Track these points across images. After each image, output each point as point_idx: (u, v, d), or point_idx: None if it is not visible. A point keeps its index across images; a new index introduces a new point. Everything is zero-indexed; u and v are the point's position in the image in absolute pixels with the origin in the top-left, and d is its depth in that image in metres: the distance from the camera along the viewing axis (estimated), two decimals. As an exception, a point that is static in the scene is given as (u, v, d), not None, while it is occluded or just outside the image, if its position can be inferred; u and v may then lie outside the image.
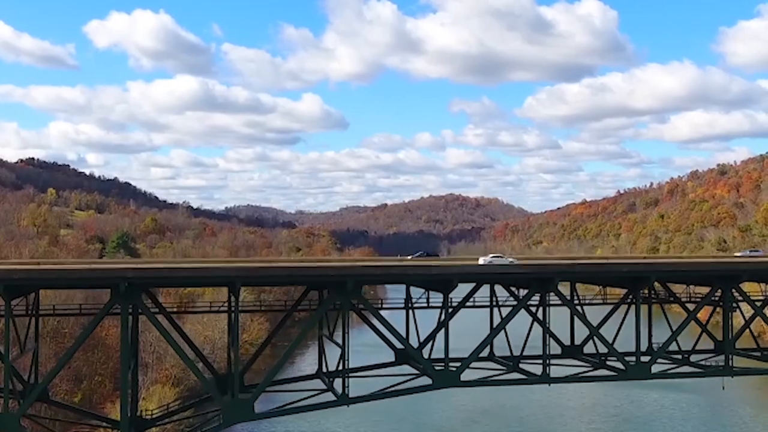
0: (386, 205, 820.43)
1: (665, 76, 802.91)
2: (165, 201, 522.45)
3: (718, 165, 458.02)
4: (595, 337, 60.85)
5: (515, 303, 59.96)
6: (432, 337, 59.37)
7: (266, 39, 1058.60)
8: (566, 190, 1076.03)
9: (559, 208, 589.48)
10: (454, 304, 58.48)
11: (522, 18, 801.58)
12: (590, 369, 61.14)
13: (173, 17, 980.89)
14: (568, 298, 60.48)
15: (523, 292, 59.46)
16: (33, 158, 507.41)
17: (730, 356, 61.18)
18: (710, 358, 63.71)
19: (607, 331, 63.40)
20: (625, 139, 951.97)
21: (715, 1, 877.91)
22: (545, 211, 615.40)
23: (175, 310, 68.46)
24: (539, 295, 56.68)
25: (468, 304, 61.18)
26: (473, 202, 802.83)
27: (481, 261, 58.54)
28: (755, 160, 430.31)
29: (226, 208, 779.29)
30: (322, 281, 54.31)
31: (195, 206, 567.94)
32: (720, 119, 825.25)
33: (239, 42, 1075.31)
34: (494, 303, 61.07)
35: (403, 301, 61.17)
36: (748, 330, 62.82)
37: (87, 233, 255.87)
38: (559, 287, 56.43)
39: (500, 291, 61.46)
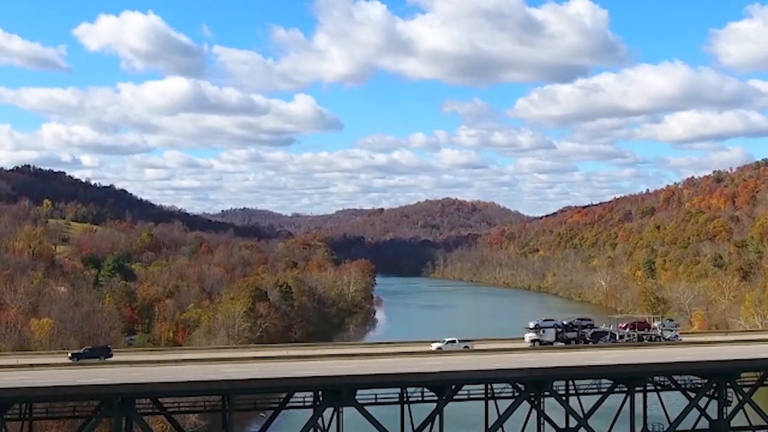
0: (383, 209, 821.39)
1: (658, 76, 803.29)
2: (161, 207, 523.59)
3: (714, 172, 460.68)
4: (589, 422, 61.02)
5: (510, 392, 60.14)
6: (429, 421, 59.62)
7: (256, 41, 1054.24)
8: (561, 190, 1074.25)
9: (555, 214, 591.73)
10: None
11: (511, 19, 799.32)
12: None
13: (162, 18, 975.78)
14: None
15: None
16: (28, 166, 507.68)
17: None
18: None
19: (605, 410, 63.55)
20: (618, 139, 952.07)
21: (704, 3, 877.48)
22: (541, 217, 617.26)
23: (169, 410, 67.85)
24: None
25: (463, 396, 61.11)
26: (469, 206, 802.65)
27: None
28: (751, 167, 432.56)
29: (222, 211, 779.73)
30: (316, 389, 54.14)
31: (190, 210, 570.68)
32: (713, 119, 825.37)
33: (228, 44, 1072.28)
34: (490, 395, 61.05)
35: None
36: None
37: (83, 251, 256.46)
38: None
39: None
